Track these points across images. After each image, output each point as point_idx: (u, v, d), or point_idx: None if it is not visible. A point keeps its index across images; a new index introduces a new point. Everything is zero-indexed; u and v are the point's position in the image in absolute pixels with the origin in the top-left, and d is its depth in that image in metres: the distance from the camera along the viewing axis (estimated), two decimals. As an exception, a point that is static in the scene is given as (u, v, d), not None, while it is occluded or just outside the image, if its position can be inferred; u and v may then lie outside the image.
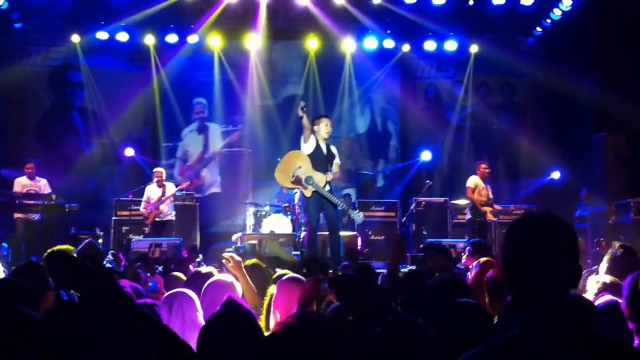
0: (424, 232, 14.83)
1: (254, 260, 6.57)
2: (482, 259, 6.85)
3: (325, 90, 18.64)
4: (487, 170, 14.01)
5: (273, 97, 18.48)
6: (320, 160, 10.90)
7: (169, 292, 4.69)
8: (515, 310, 2.56)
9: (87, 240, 8.54)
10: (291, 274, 5.67)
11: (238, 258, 5.89)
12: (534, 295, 2.28)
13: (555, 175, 17.09)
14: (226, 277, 5.42)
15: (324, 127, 10.90)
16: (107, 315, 2.68)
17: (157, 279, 5.61)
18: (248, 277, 5.64)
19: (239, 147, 18.45)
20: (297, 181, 10.91)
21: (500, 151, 18.48)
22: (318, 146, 10.93)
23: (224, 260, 5.78)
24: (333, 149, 11.23)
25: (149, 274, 6.98)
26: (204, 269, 6.20)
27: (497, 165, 18.34)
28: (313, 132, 10.89)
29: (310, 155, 10.91)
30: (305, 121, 10.72)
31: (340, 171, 11.32)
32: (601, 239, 11.70)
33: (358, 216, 11.18)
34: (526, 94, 18.64)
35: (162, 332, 2.81)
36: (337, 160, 11.15)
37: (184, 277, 6.30)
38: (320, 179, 10.81)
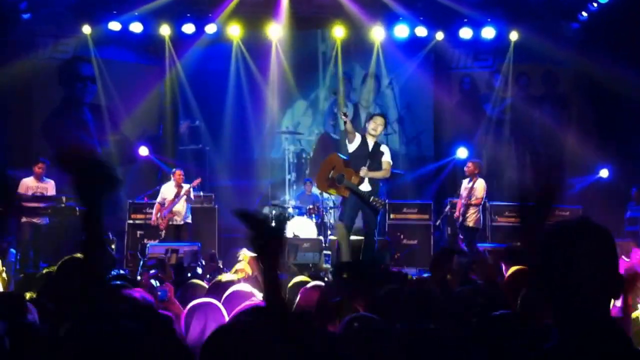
0: (460, 236, 14.75)
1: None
2: (515, 268, 6.82)
3: (352, 81, 18.65)
4: (468, 169, 14.42)
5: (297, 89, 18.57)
6: (360, 158, 11.07)
7: (195, 303, 4.74)
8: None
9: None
10: (314, 282, 5.71)
11: (249, 254, 5.99)
12: (561, 303, 2.34)
13: (604, 173, 16.81)
14: (245, 287, 5.44)
15: (371, 124, 11.23)
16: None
17: (167, 287, 5.58)
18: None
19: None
20: (332, 184, 11.10)
21: (542, 146, 18.22)
22: (363, 144, 11.15)
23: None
24: (383, 147, 11.38)
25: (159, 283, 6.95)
26: (224, 277, 6.23)
27: (539, 162, 18.15)
28: (365, 131, 11.18)
29: (352, 154, 11.15)
30: (349, 126, 10.93)
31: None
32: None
33: (377, 204, 11.06)
34: (570, 85, 18.33)
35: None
36: (385, 159, 11.25)
37: (205, 285, 6.32)
38: (351, 175, 10.88)
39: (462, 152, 17.38)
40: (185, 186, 14.54)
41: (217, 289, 5.76)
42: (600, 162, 16.81)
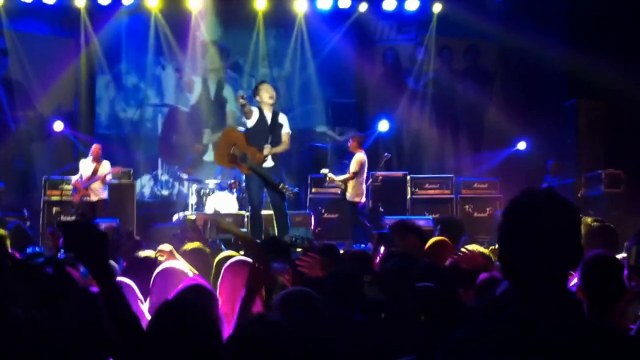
0: (381, 209, 15.01)
1: (195, 244, 6.71)
2: (435, 239, 7.10)
3: (275, 55, 18.88)
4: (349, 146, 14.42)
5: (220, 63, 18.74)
6: (261, 134, 11.08)
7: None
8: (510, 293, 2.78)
9: (14, 224, 8.74)
10: (239, 257, 5.73)
11: (167, 249, 6.12)
12: (519, 276, 2.40)
13: (521, 145, 17.34)
14: (177, 264, 5.55)
15: (265, 94, 11.14)
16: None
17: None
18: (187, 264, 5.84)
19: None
20: (233, 160, 11.17)
21: (463, 120, 18.63)
22: (261, 118, 11.12)
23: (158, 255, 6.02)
24: (282, 118, 11.37)
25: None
26: (142, 253, 6.26)
27: (459, 135, 18.55)
28: (258, 104, 11.21)
29: (251, 129, 11.15)
30: (247, 108, 10.99)
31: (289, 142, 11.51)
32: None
33: (287, 192, 11.29)
34: (493, 58, 18.77)
35: None
36: (285, 130, 11.31)
37: (114, 264, 6.44)
38: (255, 154, 11.06)
39: (383, 125, 17.53)
40: (105, 165, 14.62)
41: (137, 266, 5.86)
42: (520, 135, 17.26)
